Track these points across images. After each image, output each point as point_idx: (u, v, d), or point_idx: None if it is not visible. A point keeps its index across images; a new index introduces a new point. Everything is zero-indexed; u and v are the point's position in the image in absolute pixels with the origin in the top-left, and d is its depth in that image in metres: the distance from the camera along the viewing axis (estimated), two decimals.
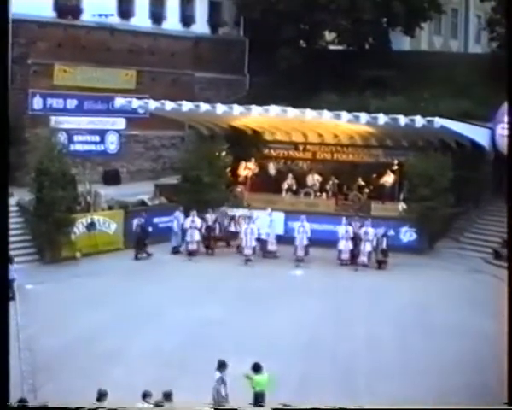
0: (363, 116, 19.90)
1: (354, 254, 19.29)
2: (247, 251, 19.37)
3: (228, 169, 22.45)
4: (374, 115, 20.00)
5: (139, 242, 19.43)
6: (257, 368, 9.79)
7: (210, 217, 19.89)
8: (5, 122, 6.46)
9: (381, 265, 19.16)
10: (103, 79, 24.03)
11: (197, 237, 19.61)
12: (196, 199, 20.74)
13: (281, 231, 20.41)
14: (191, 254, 19.57)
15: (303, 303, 15.66)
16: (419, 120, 19.38)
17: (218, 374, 9.63)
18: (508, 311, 7.31)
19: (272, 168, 23.68)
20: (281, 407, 8.16)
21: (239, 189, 22.79)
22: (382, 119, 19.74)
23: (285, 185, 22.77)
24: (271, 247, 19.83)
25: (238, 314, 14.64)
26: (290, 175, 22.97)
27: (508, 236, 8.46)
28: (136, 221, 19.65)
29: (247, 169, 23.19)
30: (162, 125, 24.53)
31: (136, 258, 19.19)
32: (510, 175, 8.21)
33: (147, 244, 19.48)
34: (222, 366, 9.70)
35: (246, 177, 23.15)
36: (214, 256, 19.81)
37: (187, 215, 19.83)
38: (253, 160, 23.32)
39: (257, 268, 18.80)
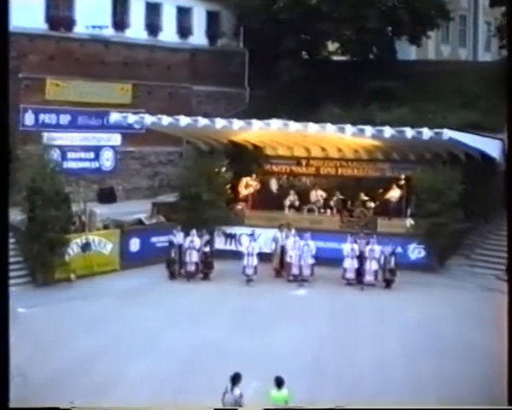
0: (368, 129, 19.96)
1: (360, 272, 19.28)
2: (249, 271, 19.40)
3: (228, 186, 22.53)
4: (379, 128, 20.06)
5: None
6: (280, 383, 9.77)
7: (204, 238, 19.88)
8: (5, 140, 6.87)
9: (388, 284, 19.15)
10: (97, 93, 24.19)
11: (196, 258, 19.60)
12: (195, 217, 20.81)
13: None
14: (190, 275, 19.60)
15: (306, 324, 15.63)
16: (426, 132, 19.42)
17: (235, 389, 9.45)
18: (508, 311, 7.66)
19: (274, 184, 23.84)
20: (281, 406, 8.36)
21: (239, 206, 22.89)
22: (388, 131, 19.80)
23: (287, 202, 22.89)
24: (299, 270, 19.36)
25: (239, 337, 14.61)
26: (292, 191, 23.10)
27: (507, 246, 8.69)
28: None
29: (247, 186, 23.32)
30: (159, 140, 24.66)
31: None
32: (510, 182, 8.33)
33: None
34: (236, 379, 9.60)
35: (246, 194, 23.27)
36: (214, 276, 19.80)
37: (185, 234, 19.85)
38: (253, 176, 23.44)
39: (259, 288, 18.81)
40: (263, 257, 19.86)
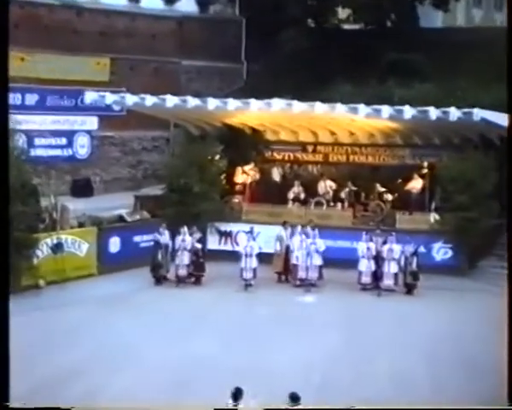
0: (386, 109, 19.98)
1: (377, 276, 19.34)
2: (247, 274, 19.46)
3: (222, 176, 22.80)
4: (398, 108, 20.09)
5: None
6: (295, 399, 9.82)
7: (194, 236, 20.03)
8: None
9: (410, 289, 19.17)
10: (70, 68, 24.10)
11: (187, 259, 19.73)
12: (185, 212, 20.99)
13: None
14: (179, 280, 19.69)
15: (315, 336, 15.61)
16: (454, 112, 19.46)
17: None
18: (508, 310, 8.29)
19: (276, 174, 24.11)
20: (280, 407, 8.85)
21: (236, 199, 23.11)
22: (409, 112, 19.81)
23: (291, 194, 23.08)
24: (306, 273, 19.45)
25: (235, 352, 14.60)
26: (297, 182, 23.32)
27: (507, 240, 9.40)
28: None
29: (245, 175, 23.58)
30: (142, 124, 24.79)
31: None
32: (510, 177, 8.98)
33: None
34: (238, 394, 9.68)
35: (244, 185, 23.50)
36: (207, 281, 19.93)
37: (173, 232, 20.00)
38: (252, 164, 23.71)
39: (259, 294, 18.90)
40: (263, 258, 20.00)
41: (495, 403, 11.70)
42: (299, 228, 20.08)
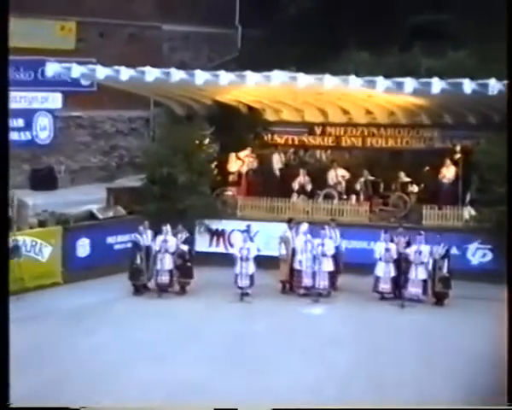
0: (409, 82, 19.91)
1: (399, 283, 19.34)
2: (243, 281, 19.51)
3: (213, 164, 23.03)
4: (425, 80, 20.04)
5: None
6: None
7: (180, 236, 20.13)
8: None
9: (440, 299, 19.13)
10: (27, 34, 23.87)
11: (169, 264, 19.81)
12: (168, 208, 21.21)
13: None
14: (161, 289, 19.76)
15: (323, 355, 15.56)
16: (494, 85, 19.41)
17: None
18: (508, 309, 9.18)
19: (277, 161, 24.33)
20: (281, 407, 9.67)
21: (229, 192, 23.33)
22: (437, 85, 19.71)
23: (296, 185, 23.28)
24: (313, 281, 19.57)
25: (230, 374, 14.54)
26: (303, 171, 23.49)
27: (507, 246, 10.14)
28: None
29: (240, 163, 23.83)
30: (117, 102, 24.78)
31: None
32: (510, 182, 9.81)
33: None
34: None
35: (239, 174, 23.78)
36: (195, 289, 20.00)
37: (155, 232, 20.07)
38: (248, 150, 23.93)
39: (257, 305, 18.91)
40: (262, 262, 20.08)
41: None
42: (305, 226, 20.07)
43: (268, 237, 21.19)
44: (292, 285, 20.20)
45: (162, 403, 12.64)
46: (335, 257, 19.74)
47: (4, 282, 8.66)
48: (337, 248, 19.89)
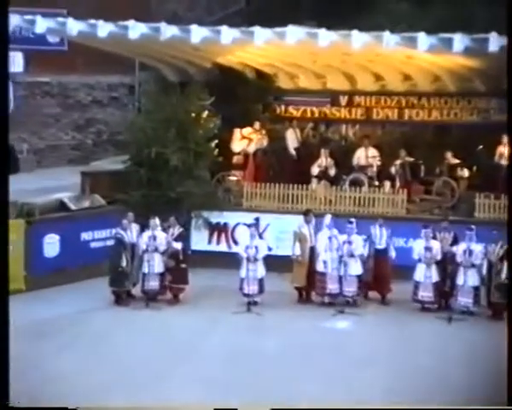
0: (460, 39, 19.70)
1: (444, 290, 19.29)
2: (250, 288, 19.48)
3: (213, 142, 23.08)
4: (479, 36, 19.79)
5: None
6: None
7: (172, 232, 20.15)
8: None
9: (497, 311, 18.82)
10: None
11: (159, 266, 19.85)
12: (158, 197, 21.58)
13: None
14: (150, 296, 19.72)
15: (351, 381, 15.42)
16: None
17: None
18: (508, 308, 10.85)
19: (292, 139, 24.58)
20: (280, 407, 10.90)
21: (233, 177, 23.68)
22: (496, 41, 19.40)
23: (315, 169, 23.52)
24: (339, 286, 19.70)
25: (234, 401, 14.15)
26: (325, 151, 23.59)
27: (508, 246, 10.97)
28: None
29: (246, 142, 24.12)
30: (93, 64, 24.98)
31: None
32: (510, 182, 10.79)
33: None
34: None
35: (245, 156, 24.10)
36: (191, 297, 20.05)
37: (142, 227, 20.12)
38: (257, 125, 24.15)
39: (268, 317, 18.84)
40: (274, 264, 20.17)
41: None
42: (328, 218, 19.90)
43: (281, 232, 21.38)
44: (309, 293, 20.19)
45: (162, 403, 13.25)
46: (382, 262, 19.83)
47: (4, 282, 9.98)
48: (384, 251, 19.78)
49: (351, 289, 19.51)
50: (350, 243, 19.47)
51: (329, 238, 19.57)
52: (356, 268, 19.55)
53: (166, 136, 21.99)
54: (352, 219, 19.88)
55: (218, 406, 11.07)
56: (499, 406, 10.95)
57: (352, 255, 19.45)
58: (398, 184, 22.81)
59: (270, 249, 20.14)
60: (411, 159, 22.88)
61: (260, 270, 19.56)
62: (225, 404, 13.31)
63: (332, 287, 19.58)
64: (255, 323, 18.67)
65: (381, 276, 19.82)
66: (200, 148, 22.51)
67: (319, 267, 19.71)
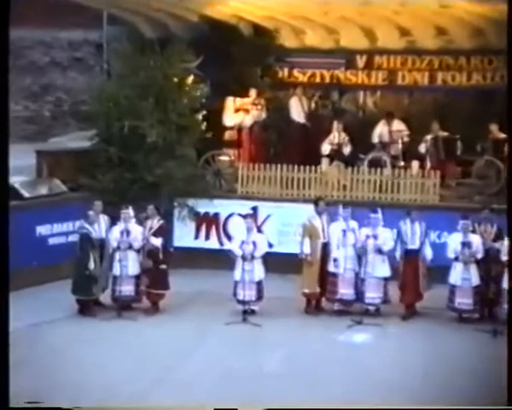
0: None
1: (488, 295, 19.08)
2: (247, 293, 19.35)
3: (200, 114, 23.32)
4: None
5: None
6: None
7: (150, 225, 20.11)
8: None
9: None
10: None
11: (134, 267, 19.81)
12: (132, 181, 21.97)
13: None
14: (123, 305, 19.62)
15: (369, 407, 15.08)
16: None
17: None
18: (508, 307, 12.92)
19: (298, 110, 24.81)
20: (280, 407, 12.39)
21: (226, 157, 23.89)
22: None
23: (326, 147, 23.65)
24: (355, 290, 19.73)
25: None
26: (338, 124, 23.71)
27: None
28: None
29: (242, 114, 24.44)
30: (50, 16, 25.19)
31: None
32: (510, 182, 11.62)
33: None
34: None
35: (240, 130, 24.39)
36: (173, 305, 20.02)
37: (112, 219, 20.07)
38: (254, 92, 24.42)
39: (268, 330, 18.72)
40: (275, 264, 20.32)
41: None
42: (342, 208, 19.83)
43: (284, 224, 21.70)
44: (319, 300, 20.14)
45: (162, 403, 14.19)
46: (413, 266, 19.62)
47: (4, 281, 11.60)
48: (417, 252, 19.55)
49: (374, 294, 19.45)
50: (375, 236, 19.30)
51: (343, 232, 19.48)
52: (383, 269, 19.45)
53: (142, 106, 22.05)
54: (377, 208, 19.73)
55: (219, 406, 11.78)
56: (499, 406, 12.25)
57: (379, 252, 19.34)
58: (428, 164, 22.82)
59: (270, 246, 20.21)
60: (445, 133, 22.85)
61: (258, 271, 19.48)
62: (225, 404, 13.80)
63: (344, 291, 19.58)
64: (252, 336, 18.53)
65: (410, 283, 19.59)
66: (185, 121, 22.59)
67: (330, 267, 19.73)
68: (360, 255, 19.38)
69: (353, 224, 19.52)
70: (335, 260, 19.56)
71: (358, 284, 19.48)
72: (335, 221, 19.77)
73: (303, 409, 12.80)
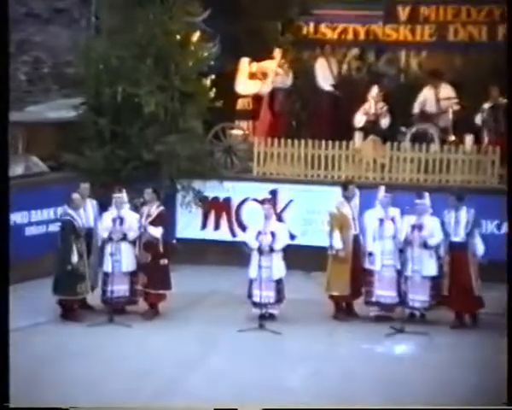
0: None
1: None
2: (264, 294, 19.31)
3: (208, 79, 23.41)
4: None
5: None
6: None
7: (147, 211, 20.11)
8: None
9: None
10: None
11: (128, 263, 19.80)
12: (126, 160, 22.17)
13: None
14: (116, 307, 19.58)
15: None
16: None
17: None
18: (507, 307, 14.03)
19: (326, 73, 25.06)
20: (279, 407, 13.76)
21: (239, 130, 24.17)
22: None
23: (360, 118, 23.84)
24: (397, 290, 19.75)
25: None
26: (376, 91, 23.93)
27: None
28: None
29: (259, 79, 24.78)
30: None
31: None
32: (510, 183, 12.74)
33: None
34: None
35: (256, 99, 24.73)
36: (175, 308, 20.08)
37: (102, 205, 20.22)
38: (275, 53, 24.70)
39: (289, 338, 18.63)
40: (298, 259, 20.48)
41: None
42: (381, 192, 19.96)
43: (309, 211, 21.95)
44: (350, 304, 20.15)
45: (162, 403, 15.10)
46: (460, 262, 19.52)
47: (4, 281, 12.37)
48: (462, 246, 19.41)
49: (420, 297, 19.35)
50: (421, 227, 19.17)
51: (380, 221, 19.49)
52: (430, 266, 19.31)
53: (139, 69, 22.12)
54: (423, 193, 19.58)
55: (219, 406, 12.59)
56: (499, 406, 13.66)
57: (425, 246, 19.19)
58: (486, 138, 22.84)
59: (292, 237, 20.59)
60: (506, 100, 22.54)
61: (278, 268, 19.42)
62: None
63: (383, 293, 19.55)
64: (271, 347, 18.37)
65: (459, 283, 19.48)
66: (190, 87, 22.65)
67: (367, 263, 19.81)
68: (402, 250, 19.31)
69: (394, 211, 19.44)
70: (371, 254, 19.54)
71: (400, 284, 19.38)
72: (371, 208, 19.74)
73: (303, 409, 13.72)
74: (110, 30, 23.35)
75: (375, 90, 23.73)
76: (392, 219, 19.45)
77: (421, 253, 19.18)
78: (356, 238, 19.81)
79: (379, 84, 24.10)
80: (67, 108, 23.52)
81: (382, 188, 19.95)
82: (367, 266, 19.67)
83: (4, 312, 12.54)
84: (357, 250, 19.81)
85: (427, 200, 19.49)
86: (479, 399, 16.35)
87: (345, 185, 20.22)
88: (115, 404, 16.11)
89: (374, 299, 19.58)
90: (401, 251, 19.31)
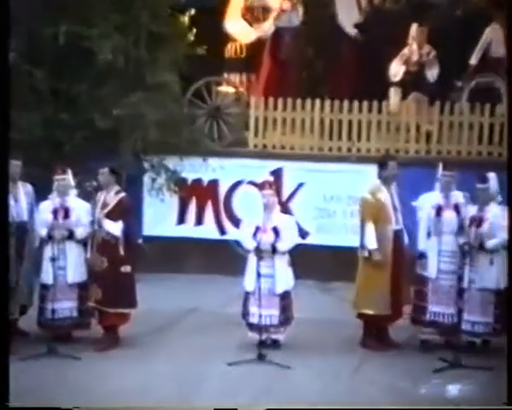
0: None
1: None
2: (264, 312, 18.69)
3: (187, 14, 24.22)
4: None
5: None
6: None
7: (103, 199, 19.44)
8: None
9: None
10: None
11: (77, 269, 19.15)
12: (73, 129, 22.43)
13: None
14: (59, 333, 18.81)
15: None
16: None
17: None
18: (507, 308, 17.55)
19: (350, 6, 25.25)
20: (279, 407, 15.97)
21: (228, 86, 24.75)
22: None
23: (397, 69, 24.12)
24: (454, 306, 18.82)
25: None
26: (417, 30, 24.13)
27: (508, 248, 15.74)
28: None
29: (256, 15, 25.42)
30: None
31: None
32: (510, 182, 15.73)
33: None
34: None
35: (254, 41, 25.01)
36: (147, 332, 19.79)
37: (41, 191, 19.45)
38: None
39: (299, 374, 17.93)
40: (310, 264, 21.22)
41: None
42: (439, 170, 19.08)
43: (327, 199, 22.39)
44: (385, 327, 19.50)
45: (162, 403, 16.32)
46: None
47: (4, 281, 15.30)
48: None
49: (479, 318, 18.57)
50: (481, 221, 18.36)
51: (437, 209, 18.58)
52: (491, 275, 18.50)
53: (90, 1, 22.20)
54: (486, 175, 18.57)
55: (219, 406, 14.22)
56: (499, 406, 15.76)
57: (482, 248, 18.31)
58: None
59: (303, 235, 20.78)
60: None
61: (284, 277, 18.83)
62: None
63: (439, 309, 18.82)
64: (275, 386, 17.53)
65: None
66: (161, 26, 22.86)
67: (418, 268, 19.22)
68: (465, 252, 18.40)
69: (457, 196, 18.62)
70: (423, 255, 18.81)
71: (457, 298, 18.49)
72: (424, 193, 18.98)
73: (303, 409, 15.63)
74: None
75: (418, 29, 23.64)
76: (456, 207, 18.57)
77: (478, 257, 18.36)
78: (398, 235, 19.01)
79: (424, 19, 23.60)
80: None
81: (440, 165, 18.98)
82: (418, 271, 18.98)
83: (4, 316, 15.07)
84: (400, 251, 19.01)
85: (492, 182, 18.50)
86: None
87: (382, 162, 19.39)
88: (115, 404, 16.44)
89: (427, 317, 18.89)
90: (463, 253, 18.35)
